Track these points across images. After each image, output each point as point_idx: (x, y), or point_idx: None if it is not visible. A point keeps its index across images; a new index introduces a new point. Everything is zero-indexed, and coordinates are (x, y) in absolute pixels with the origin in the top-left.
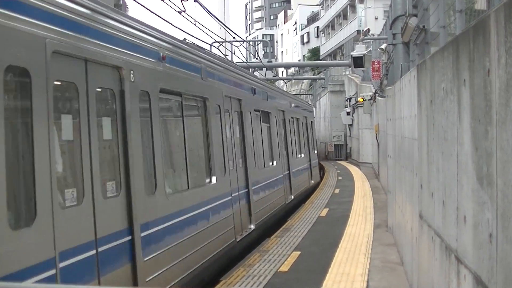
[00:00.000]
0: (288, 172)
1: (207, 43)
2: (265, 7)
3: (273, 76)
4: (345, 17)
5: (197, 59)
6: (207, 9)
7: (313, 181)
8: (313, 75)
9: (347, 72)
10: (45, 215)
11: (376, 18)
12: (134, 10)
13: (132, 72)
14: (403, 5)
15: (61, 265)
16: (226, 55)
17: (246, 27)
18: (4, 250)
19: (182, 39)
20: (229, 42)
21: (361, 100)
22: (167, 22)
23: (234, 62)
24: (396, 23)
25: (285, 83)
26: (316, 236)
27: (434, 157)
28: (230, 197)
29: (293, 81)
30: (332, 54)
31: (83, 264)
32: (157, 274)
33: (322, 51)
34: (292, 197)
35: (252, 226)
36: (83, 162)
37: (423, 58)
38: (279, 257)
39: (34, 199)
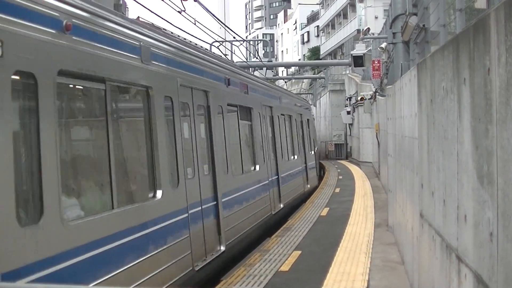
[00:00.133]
0: (276, 177)
1: (207, 43)
2: (265, 7)
3: (273, 76)
4: (345, 16)
5: (133, 34)
6: (207, 9)
7: (309, 186)
8: (313, 74)
9: (347, 71)
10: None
11: (376, 17)
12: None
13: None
14: (403, 4)
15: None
16: (226, 54)
17: (246, 27)
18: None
19: (182, 38)
20: (229, 41)
21: (362, 99)
22: (167, 21)
23: (235, 61)
24: (396, 22)
25: (285, 82)
26: (316, 236)
27: (435, 156)
28: (186, 215)
29: (293, 80)
30: (332, 53)
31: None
32: None
33: (322, 50)
34: (281, 205)
35: (222, 248)
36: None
37: (423, 57)
38: (280, 256)
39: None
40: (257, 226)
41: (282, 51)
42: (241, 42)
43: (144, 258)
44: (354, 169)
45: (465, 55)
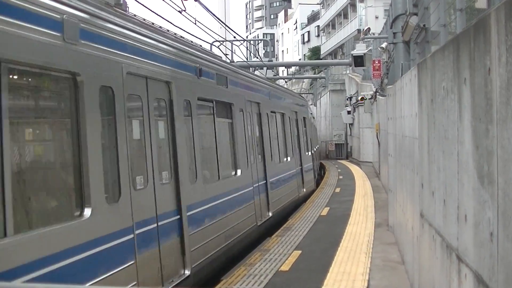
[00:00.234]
0: (264, 182)
1: (207, 43)
2: (265, 6)
3: (274, 76)
4: (346, 16)
5: (52, 5)
6: (207, 9)
7: (305, 190)
8: (314, 74)
9: (348, 71)
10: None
11: (376, 17)
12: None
13: None
14: (403, 4)
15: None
16: (227, 54)
17: (247, 26)
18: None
19: (181, 38)
20: (229, 41)
21: (362, 99)
22: (168, 21)
23: (235, 61)
24: (397, 22)
25: (285, 82)
26: (317, 235)
27: (435, 156)
28: (131, 235)
29: (294, 80)
30: (333, 53)
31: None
32: None
33: (323, 50)
34: (270, 214)
35: (187, 272)
36: None
37: (423, 57)
38: (280, 256)
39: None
40: (236, 241)
41: (283, 51)
42: (242, 42)
43: None
44: (354, 169)
45: (465, 55)
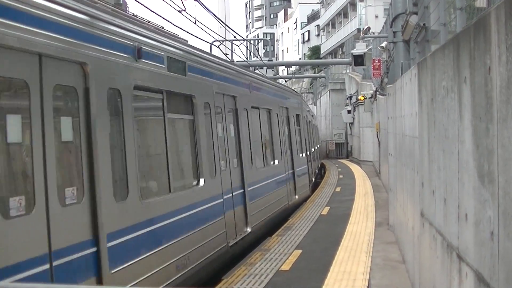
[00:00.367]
0: (241, 191)
1: (207, 42)
2: (265, 6)
3: (274, 75)
4: (346, 15)
5: None
6: (207, 8)
7: (297, 196)
8: (314, 73)
9: (348, 71)
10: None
11: (376, 16)
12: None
13: None
14: (403, 3)
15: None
16: (227, 54)
17: (247, 26)
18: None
19: (183, 39)
20: (229, 41)
21: (362, 98)
22: (167, 21)
23: (235, 61)
24: (397, 21)
25: (285, 81)
26: (317, 235)
27: (435, 155)
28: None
29: (294, 79)
30: (333, 53)
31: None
32: None
33: (323, 50)
34: (249, 230)
35: None
36: None
37: (423, 56)
38: (281, 255)
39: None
40: (199, 268)
41: (283, 50)
42: (242, 41)
43: None
44: (354, 168)
45: (465, 54)
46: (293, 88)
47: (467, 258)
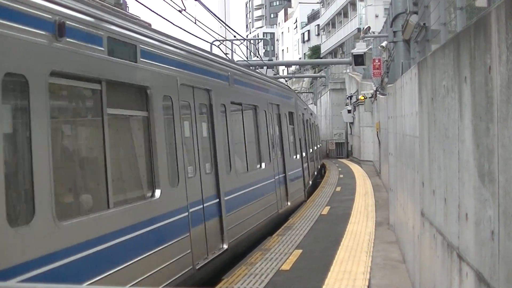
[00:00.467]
0: (217, 200)
1: (207, 42)
2: (265, 6)
3: (274, 75)
4: (346, 15)
5: None
6: (207, 8)
7: (289, 203)
8: (314, 73)
9: (348, 70)
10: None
11: (376, 16)
12: (134, 9)
13: None
14: (403, 2)
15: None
16: (227, 54)
17: (247, 26)
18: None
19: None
20: (229, 40)
21: (362, 98)
22: (167, 20)
23: (235, 60)
24: (397, 20)
25: (286, 81)
26: (317, 234)
27: (436, 154)
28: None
29: (294, 79)
30: (333, 52)
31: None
32: None
33: (323, 49)
34: (225, 246)
35: None
36: None
37: (424, 56)
38: (281, 255)
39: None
40: None
41: (283, 50)
42: (242, 41)
43: None
44: (355, 167)
45: (466, 54)
46: (293, 87)
47: (467, 257)
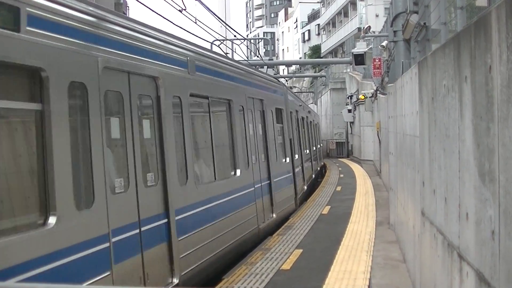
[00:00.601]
0: (164, 221)
1: (208, 41)
2: (265, 5)
3: (274, 74)
4: (346, 14)
5: None
6: (207, 8)
7: (275, 215)
8: (314, 72)
9: (348, 70)
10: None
11: (377, 16)
12: (134, 9)
13: None
14: (404, 2)
15: None
16: (227, 53)
17: (247, 25)
18: None
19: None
20: (230, 40)
21: (362, 97)
22: (168, 20)
23: (235, 60)
24: (397, 20)
25: (286, 80)
26: (318, 234)
27: (436, 154)
28: None
29: (295, 78)
30: (333, 52)
31: None
32: None
33: (323, 49)
34: (175, 281)
35: None
36: None
37: (424, 55)
38: (281, 255)
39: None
40: None
41: (283, 49)
42: (242, 40)
43: None
44: (355, 167)
45: (466, 53)
46: (294, 87)
47: (468, 257)
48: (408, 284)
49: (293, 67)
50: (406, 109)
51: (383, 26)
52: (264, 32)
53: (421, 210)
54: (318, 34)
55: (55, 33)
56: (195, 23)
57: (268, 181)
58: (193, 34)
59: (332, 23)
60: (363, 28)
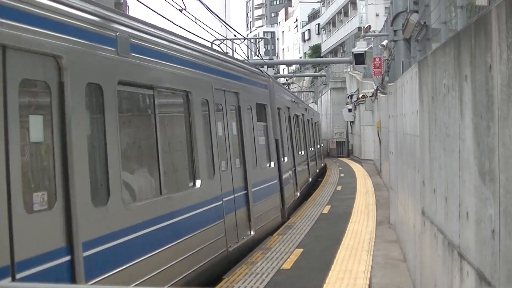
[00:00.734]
0: (66, 258)
1: (208, 41)
2: (266, 5)
3: (275, 74)
4: (346, 14)
5: None
6: (208, 7)
7: (253, 232)
8: (315, 72)
9: (349, 69)
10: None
11: (377, 15)
12: (134, 9)
13: None
14: (404, 1)
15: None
16: (228, 53)
17: (247, 25)
18: None
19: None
20: (230, 39)
21: (363, 97)
22: (168, 20)
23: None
24: (397, 19)
25: (286, 80)
26: (318, 233)
27: (436, 153)
28: None
29: (295, 78)
30: (333, 51)
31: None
32: None
33: (323, 48)
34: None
35: None
36: None
37: (424, 55)
38: (282, 254)
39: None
40: None
41: (283, 49)
42: (242, 40)
43: None
44: (355, 166)
45: (466, 52)
46: (293, 87)
47: (468, 256)
48: (408, 283)
49: (293, 67)
50: (406, 109)
51: (383, 26)
52: (264, 32)
53: (421, 209)
54: (318, 33)
55: None
56: (195, 22)
57: (245, 191)
58: (193, 33)
59: (332, 23)
60: (363, 27)
